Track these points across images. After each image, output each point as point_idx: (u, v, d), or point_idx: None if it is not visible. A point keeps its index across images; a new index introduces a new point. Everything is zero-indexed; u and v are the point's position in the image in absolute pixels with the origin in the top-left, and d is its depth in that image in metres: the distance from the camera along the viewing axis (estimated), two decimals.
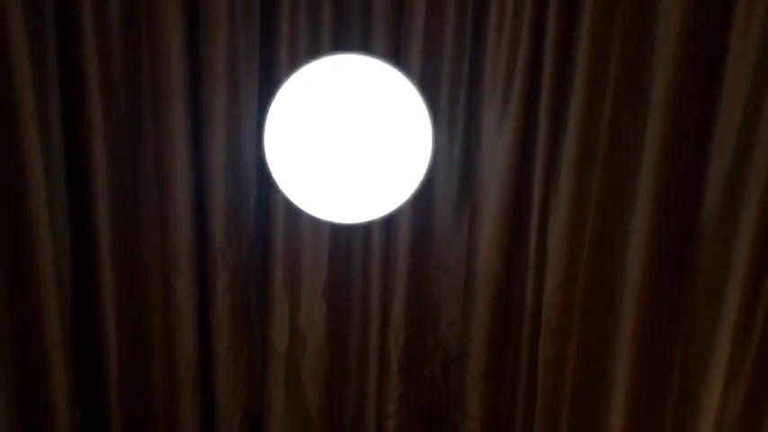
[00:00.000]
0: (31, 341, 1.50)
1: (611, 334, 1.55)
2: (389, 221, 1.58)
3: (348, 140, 1.16)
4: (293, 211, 1.52)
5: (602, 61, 1.43)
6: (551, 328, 1.56)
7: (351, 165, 1.16)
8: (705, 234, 1.47)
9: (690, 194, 1.47)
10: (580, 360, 1.59)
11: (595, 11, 1.39)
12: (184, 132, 1.48)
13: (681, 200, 1.47)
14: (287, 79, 1.23)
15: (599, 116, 1.47)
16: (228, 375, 1.65)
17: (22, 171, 1.42)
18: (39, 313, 1.48)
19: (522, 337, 1.63)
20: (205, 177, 1.53)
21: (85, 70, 1.44)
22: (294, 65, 1.44)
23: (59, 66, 1.45)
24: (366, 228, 1.61)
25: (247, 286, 1.64)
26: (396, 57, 1.50)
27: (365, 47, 1.49)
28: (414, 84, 1.30)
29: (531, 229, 1.56)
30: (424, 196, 1.53)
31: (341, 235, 1.62)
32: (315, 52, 1.46)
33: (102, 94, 1.46)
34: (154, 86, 1.48)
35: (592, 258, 1.54)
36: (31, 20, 1.38)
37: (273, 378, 1.66)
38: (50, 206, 1.45)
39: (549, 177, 1.52)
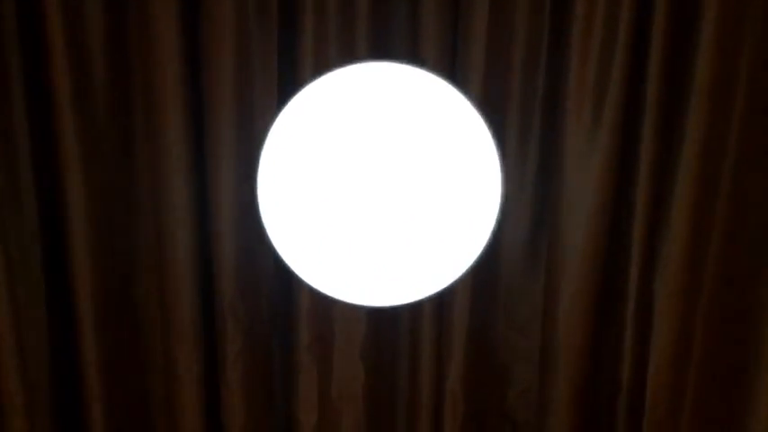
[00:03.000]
0: None
1: (740, 425, 1.23)
2: None
3: (384, 191, 0.80)
4: None
5: (728, 66, 1.12)
6: (658, 417, 1.25)
7: (389, 227, 0.81)
8: None
9: None
10: None
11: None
12: (184, 161, 1.25)
13: None
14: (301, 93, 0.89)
15: (723, 137, 1.16)
16: None
17: None
18: None
19: (618, 423, 1.32)
20: (210, 216, 1.28)
21: (60, 103, 1.18)
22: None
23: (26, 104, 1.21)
24: None
25: (266, 350, 1.39)
26: (451, 65, 1.22)
27: (411, 53, 1.21)
28: (475, 103, 0.97)
29: (630, 283, 1.25)
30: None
31: None
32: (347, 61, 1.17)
33: (79, 128, 1.21)
34: (146, 100, 1.24)
35: (713, 325, 1.22)
36: None
37: None
38: (11, 256, 1.22)
39: (655, 219, 1.21)
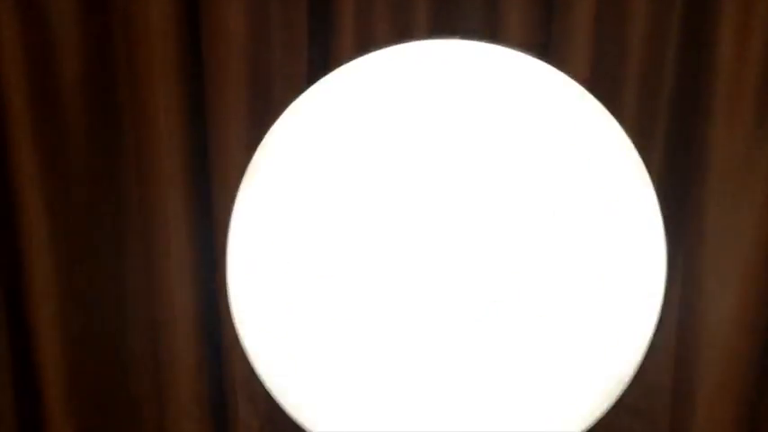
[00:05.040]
0: None
1: None
2: None
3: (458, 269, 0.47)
4: None
5: None
6: None
7: (462, 339, 0.47)
8: None
9: None
10: None
11: None
12: (184, 189, 1.06)
13: None
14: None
15: None
16: None
17: None
18: None
19: None
20: (215, 268, 1.06)
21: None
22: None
23: None
24: None
25: None
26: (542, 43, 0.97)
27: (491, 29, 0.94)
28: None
29: None
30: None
31: None
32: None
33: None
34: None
35: None
36: None
37: None
38: None
39: None
